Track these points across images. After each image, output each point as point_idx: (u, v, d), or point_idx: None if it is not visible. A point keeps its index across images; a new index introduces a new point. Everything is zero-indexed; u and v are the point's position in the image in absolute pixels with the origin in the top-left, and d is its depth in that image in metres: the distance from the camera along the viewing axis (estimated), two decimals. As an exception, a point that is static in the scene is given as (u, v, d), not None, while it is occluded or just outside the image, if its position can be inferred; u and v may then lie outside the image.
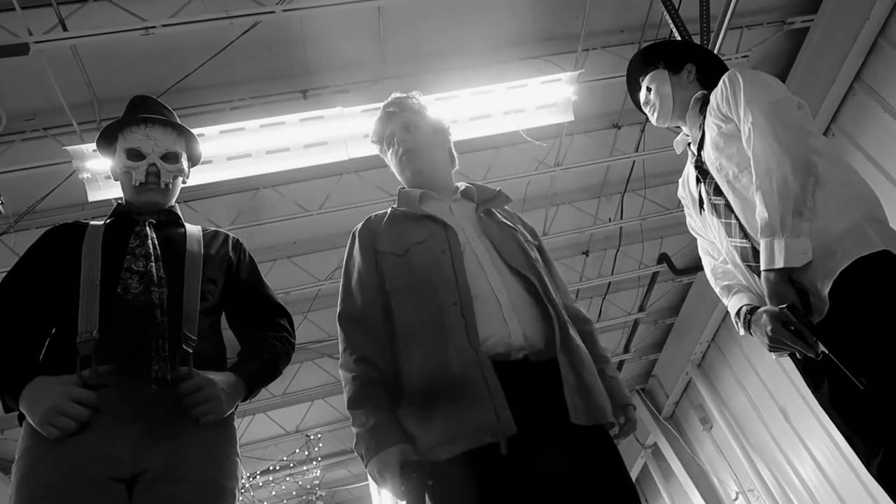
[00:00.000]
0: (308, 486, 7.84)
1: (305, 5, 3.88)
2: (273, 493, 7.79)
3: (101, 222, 1.86)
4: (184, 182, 2.05)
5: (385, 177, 5.24)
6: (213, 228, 2.05)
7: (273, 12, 3.85)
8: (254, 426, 7.18)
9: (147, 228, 1.82)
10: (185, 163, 2.02)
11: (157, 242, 1.79)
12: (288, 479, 7.72)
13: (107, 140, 1.99)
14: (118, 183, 1.97)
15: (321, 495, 8.05)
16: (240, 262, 1.99)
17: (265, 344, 1.87)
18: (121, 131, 1.94)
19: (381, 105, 2.00)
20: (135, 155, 1.91)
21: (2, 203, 3.54)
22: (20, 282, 1.75)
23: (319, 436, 7.54)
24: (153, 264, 1.72)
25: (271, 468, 7.54)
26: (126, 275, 1.68)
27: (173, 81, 4.20)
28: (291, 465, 7.62)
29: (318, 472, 7.74)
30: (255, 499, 7.72)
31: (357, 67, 4.66)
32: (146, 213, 1.89)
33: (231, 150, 4.15)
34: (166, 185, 1.93)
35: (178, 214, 1.99)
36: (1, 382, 1.58)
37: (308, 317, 6.16)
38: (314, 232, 5.66)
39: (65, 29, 3.66)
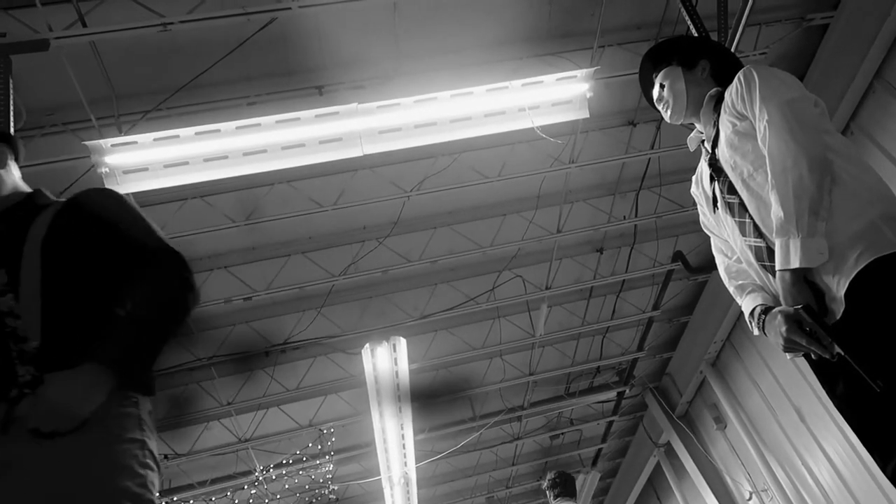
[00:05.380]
0: (321, 480, 7.89)
1: (321, 1, 3.89)
2: (286, 486, 7.83)
3: None
4: None
5: (400, 173, 5.26)
6: (57, 200, 1.72)
7: (289, 9, 3.87)
8: (267, 420, 7.23)
9: None
10: None
11: None
12: (301, 472, 7.77)
13: None
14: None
15: (334, 489, 8.10)
16: (71, 232, 1.61)
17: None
18: None
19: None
20: None
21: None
22: None
23: (332, 430, 7.57)
24: None
25: (284, 462, 7.59)
26: None
27: (190, 77, 4.23)
28: (304, 458, 7.66)
29: (331, 466, 7.79)
30: (269, 492, 7.78)
31: (372, 63, 4.66)
32: None
33: (247, 146, 4.16)
34: None
35: (26, 203, 1.69)
36: None
37: (322, 312, 6.17)
38: (329, 227, 5.67)
39: (84, 25, 3.71)
